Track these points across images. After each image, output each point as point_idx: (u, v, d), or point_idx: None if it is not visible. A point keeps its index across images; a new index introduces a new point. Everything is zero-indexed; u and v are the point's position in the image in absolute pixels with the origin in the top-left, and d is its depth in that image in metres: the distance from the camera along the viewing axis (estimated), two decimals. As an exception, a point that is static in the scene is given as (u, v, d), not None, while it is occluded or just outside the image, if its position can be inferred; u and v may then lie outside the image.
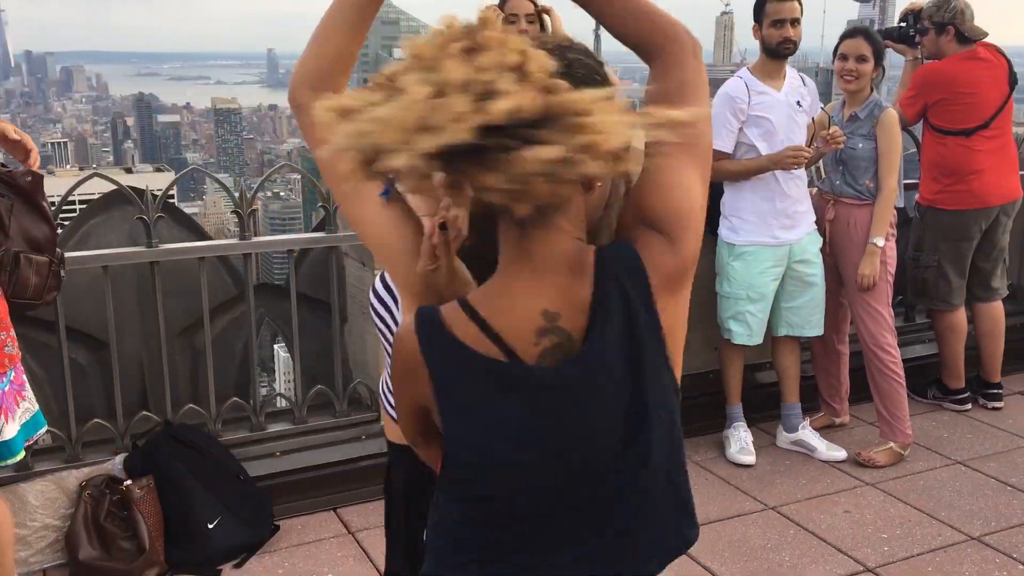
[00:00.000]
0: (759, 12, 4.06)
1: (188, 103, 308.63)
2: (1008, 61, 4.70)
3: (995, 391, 4.92)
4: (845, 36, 4.28)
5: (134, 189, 3.65)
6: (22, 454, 2.93)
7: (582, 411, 1.32)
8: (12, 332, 2.86)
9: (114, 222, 4.03)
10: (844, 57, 4.23)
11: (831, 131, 4.11)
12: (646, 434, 1.34)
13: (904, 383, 4.33)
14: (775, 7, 4.01)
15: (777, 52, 4.07)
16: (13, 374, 2.84)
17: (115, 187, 3.86)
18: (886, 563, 3.53)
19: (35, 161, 2.96)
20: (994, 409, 4.88)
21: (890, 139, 4.18)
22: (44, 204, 2.97)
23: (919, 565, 3.52)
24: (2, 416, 2.78)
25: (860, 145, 4.21)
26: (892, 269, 4.31)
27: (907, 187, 4.75)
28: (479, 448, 1.34)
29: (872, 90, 4.26)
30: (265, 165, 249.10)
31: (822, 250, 4.33)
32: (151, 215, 3.53)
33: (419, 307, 1.36)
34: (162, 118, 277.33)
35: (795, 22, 4.02)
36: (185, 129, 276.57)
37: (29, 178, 2.91)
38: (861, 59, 4.19)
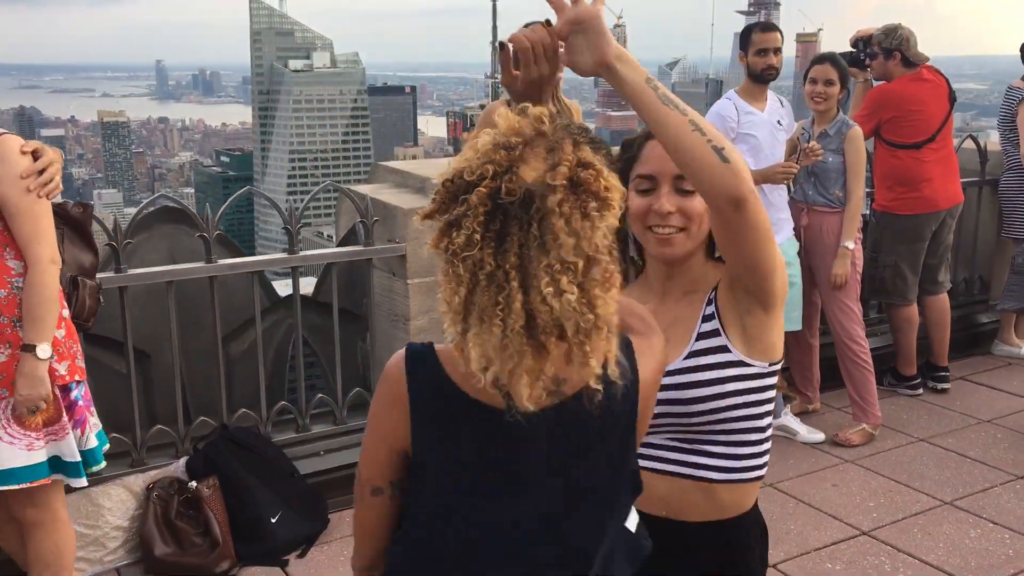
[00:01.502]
0: (745, 41, 4.53)
1: (72, 116, 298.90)
2: (947, 80, 5.31)
3: (943, 374, 5.50)
4: (815, 62, 4.79)
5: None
6: (104, 463, 3.10)
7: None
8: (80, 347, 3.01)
9: (155, 241, 4.24)
10: (814, 81, 4.73)
11: (811, 145, 4.60)
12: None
13: (873, 371, 4.85)
14: (760, 37, 4.48)
15: (761, 77, 4.54)
16: (85, 388, 2.99)
17: (152, 208, 4.10)
18: (878, 527, 4.02)
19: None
20: (943, 391, 5.45)
21: (857, 153, 4.70)
22: (91, 234, 3.14)
23: (906, 527, 4.02)
24: (85, 426, 2.97)
25: (830, 159, 4.71)
26: (860, 269, 4.84)
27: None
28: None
29: (839, 110, 4.78)
30: (157, 179, 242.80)
31: (798, 253, 4.82)
32: (211, 233, 3.78)
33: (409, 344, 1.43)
34: (45, 132, 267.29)
35: (777, 50, 4.50)
36: (70, 143, 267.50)
37: (80, 210, 3.08)
38: (829, 83, 4.70)
